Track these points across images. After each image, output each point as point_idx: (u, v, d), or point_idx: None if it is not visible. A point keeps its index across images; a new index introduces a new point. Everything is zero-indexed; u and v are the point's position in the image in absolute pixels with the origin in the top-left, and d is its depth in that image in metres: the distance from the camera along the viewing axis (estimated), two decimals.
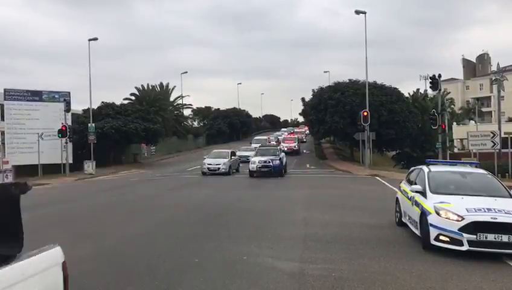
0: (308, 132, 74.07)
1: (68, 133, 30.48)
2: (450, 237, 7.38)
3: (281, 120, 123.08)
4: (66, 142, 31.19)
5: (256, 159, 25.18)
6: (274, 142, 51.84)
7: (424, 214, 8.04)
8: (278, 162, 24.60)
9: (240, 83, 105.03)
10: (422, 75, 67.85)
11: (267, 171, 24.37)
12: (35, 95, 33.80)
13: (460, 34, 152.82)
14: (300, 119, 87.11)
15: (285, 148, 41.14)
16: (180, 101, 63.78)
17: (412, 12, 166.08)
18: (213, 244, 8.39)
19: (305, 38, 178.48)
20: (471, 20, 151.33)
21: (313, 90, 41.79)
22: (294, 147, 46.61)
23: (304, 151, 51.73)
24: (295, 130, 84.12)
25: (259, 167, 24.49)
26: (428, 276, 6.41)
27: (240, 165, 30.97)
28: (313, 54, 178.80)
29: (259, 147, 29.73)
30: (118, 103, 43.98)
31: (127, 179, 27.87)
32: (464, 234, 7.23)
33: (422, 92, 59.56)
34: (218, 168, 27.14)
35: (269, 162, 24.47)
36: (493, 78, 38.61)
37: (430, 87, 28.96)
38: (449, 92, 65.30)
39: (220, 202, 15.05)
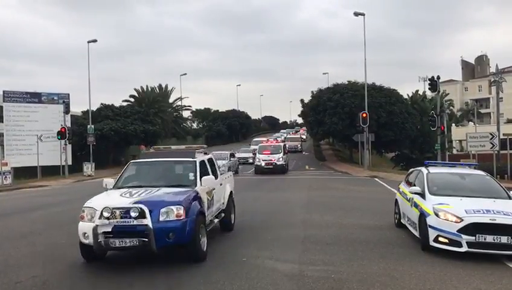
0: (304, 136, 68.28)
1: (67, 135, 30.48)
2: (449, 239, 7.40)
3: (280, 122, 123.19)
4: (65, 144, 31.18)
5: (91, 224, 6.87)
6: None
7: (423, 215, 8.06)
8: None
9: (239, 85, 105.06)
10: (421, 76, 68.16)
11: None
12: (35, 97, 33.78)
13: (458, 35, 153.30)
14: (300, 120, 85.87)
15: (263, 163, 28.40)
16: (179, 103, 63.89)
17: (411, 14, 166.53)
18: (212, 246, 8.39)
19: (304, 40, 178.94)
20: (470, 22, 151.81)
21: (312, 91, 41.88)
22: (278, 161, 28.59)
23: (304, 153, 51.58)
24: (288, 135, 66.44)
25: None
26: (427, 277, 6.41)
27: (239, 166, 31.00)
28: (312, 56, 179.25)
29: None
30: (117, 104, 44.17)
31: None
32: (462, 236, 7.24)
33: (421, 94, 59.72)
34: None
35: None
36: (492, 79, 38.65)
37: (429, 88, 29.00)
38: (448, 94, 65.36)
39: None
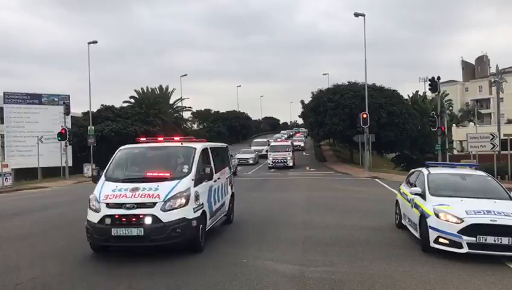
0: (302, 143, 58.78)
1: (68, 136, 30.49)
2: (449, 240, 7.38)
3: (280, 122, 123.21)
4: (66, 145, 31.18)
5: None
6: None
7: (423, 216, 8.04)
8: None
9: (240, 86, 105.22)
10: (421, 77, 68.39)
11: None
12: (35, 98, 33.81)
13: (459, 36, 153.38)
14: (300, 121, 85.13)
15: (116, 217, 7.25)
16: (179, 104, 63.73)
17: (411, 15, 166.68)
18: (213, 247, 8.38)
19: (304, 41, 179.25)
20: (470, 22, 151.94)
21: (312, 92, 41.85)
22: (170, 207, 7.27)
23: (304, 153, 51.43)
24: (274, 142, 40.99)
25: None
26: (428, 278, 6.40)
27: (239, 167, 31.00)
28: (312, 57, 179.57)
29: None
30: (117, 106, 44.23)
31: None
32: (463, 237, 7.22)
33: (422, 94, 59.73)
34: None
35: None
36: (492, 80, 38.69)
37: (430, 89, 28.99)
38: (448, 94, 65.32)
39: None
